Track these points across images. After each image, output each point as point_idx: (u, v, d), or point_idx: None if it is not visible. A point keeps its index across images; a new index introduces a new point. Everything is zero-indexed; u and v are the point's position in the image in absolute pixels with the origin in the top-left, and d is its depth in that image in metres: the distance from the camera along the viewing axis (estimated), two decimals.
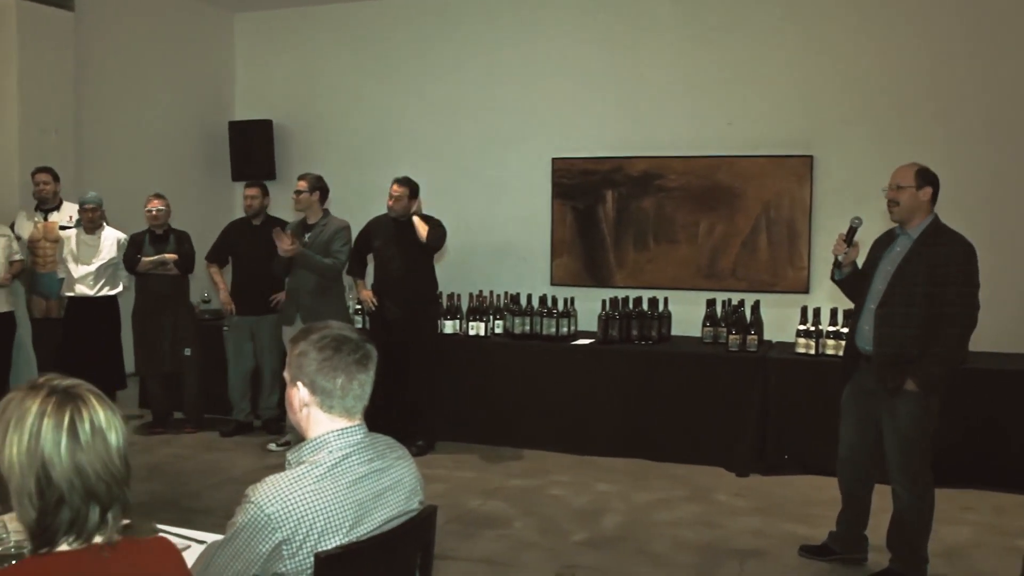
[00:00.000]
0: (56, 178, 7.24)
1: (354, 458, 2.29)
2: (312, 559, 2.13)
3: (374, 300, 6.81)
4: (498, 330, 7.21)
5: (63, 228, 7.21)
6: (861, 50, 7.54)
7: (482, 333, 7.18)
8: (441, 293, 7.13)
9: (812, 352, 6.41)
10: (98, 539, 1.74)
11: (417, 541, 2.41)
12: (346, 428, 2.31)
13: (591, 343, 6.96)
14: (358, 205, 7.89)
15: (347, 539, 2.19)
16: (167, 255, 6.97)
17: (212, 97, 9.65)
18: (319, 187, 6.68)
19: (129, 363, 7.37)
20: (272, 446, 6.80)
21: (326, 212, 6.76)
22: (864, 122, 7.49)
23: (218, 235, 7.37)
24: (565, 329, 7.08)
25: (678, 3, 8.07)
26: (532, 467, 6.54)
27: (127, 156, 8.54)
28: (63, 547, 1.71)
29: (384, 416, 6.98)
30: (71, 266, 7.01)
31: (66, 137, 8.00)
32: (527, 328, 7.08)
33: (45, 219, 7.25)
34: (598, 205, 8.35)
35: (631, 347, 6.88)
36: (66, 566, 1.70)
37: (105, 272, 7.07)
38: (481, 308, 7.26)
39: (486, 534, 5.18)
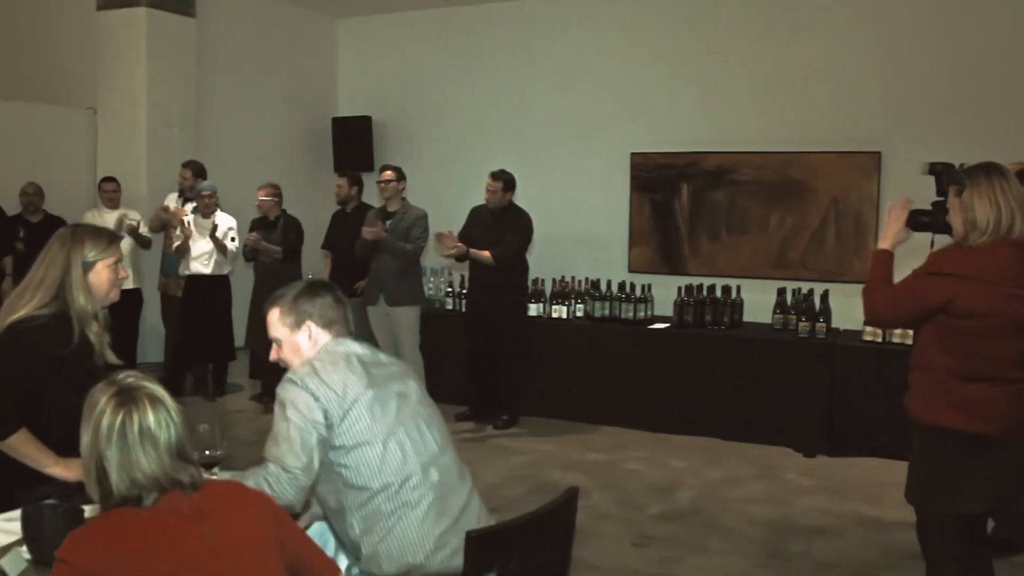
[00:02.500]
0: (196, 173, 7.42)
1: (355, 345, 2.61)
2: (350, 435, 2.42)
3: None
4: (579, 313, 7.19)
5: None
6: (929, 46, 7.30)
7: (564, 316, 7.17)
8: (527, 279, 7.12)
9: (879, 340, 6.26)
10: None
11: (562, 521, 2.41)
12: (344, 338, 2.62)
13: (667, 327, 6.90)
14: (449, 196, 7.93)
15: (367, 395, 2.45)
16: (271, 246, 7.06)
17: (317, 95, 9.77)
18: (404, 177, 6.80)
19: (240, 337, 7.53)
20: None
21: (405, 201, 6.84)
22: (931, 119, 7.25)
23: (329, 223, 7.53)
24: (642, 314, 7.02)
25: (752, 3, 7.91)
26: (609, 443, 6.52)
27: (240, 149, 8.70)
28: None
29: (473, 391, 7.13)
30: (190, 246, 7.18)
31: (187, 132, 8.19)
32: (606, 312, 7.05)
33: (183, 205, 7.43)
34: (674, 197, 8.25)
35: (705, 332, 6.80)
36: (139, 517, 1.81)
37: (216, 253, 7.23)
38: (563, 293, 7.25)
39: None
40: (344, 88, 9.98)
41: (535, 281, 7.26)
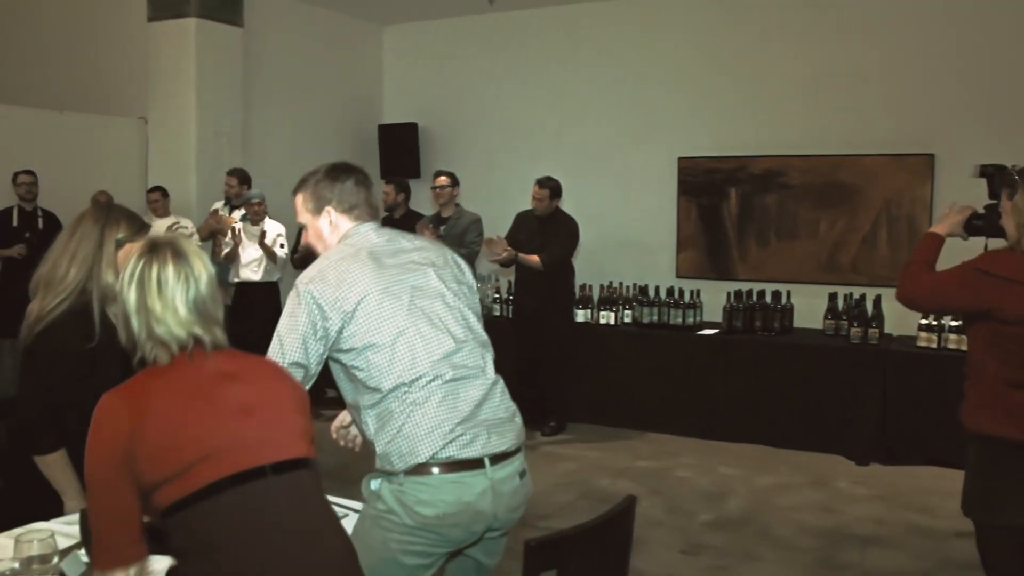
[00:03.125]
0: (241, 181, 7.53)
1: (368, 231, 2.54)
2: (356, 332, 2.38)
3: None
4: (627, 319, 7.16)
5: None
6: (982, 48, 7.16)
7: (612, 322, 7.15)
8: (574, 284, 7.11)
9: (934, 346, 6.16)
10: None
11: (620, 530, 2.38)
12: (364, 225, 2.56)
13: (716, 333, 6.85)
14: (495, 201, 7.93)
15: (373, 295, 2.39)
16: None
17: (363, 102, 9.84)
18: (457, 183, 6.84)
19: None
20: None
21: (459, 206, 6.86)
22: (985, 121, 7.11)
23: None
24: (691, 319, 6.99)
25: (799, 4, 7.82)
26: (658, 449, 6.48)
27: (287, 156, 8.76)
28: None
29: (520, 398, 7.10)
30: (239, 253, 7.27)
31: (235, 139, 8.28)
32: (655, 318, 7.02)
33: (231, 213, 7.54)
34: (722, 202, 8.18)
35: (755, 337, 6.74)
36: (170, 372, 1.93)
37: (265, 260, 7.32)
38: (611, 298, 7.23)
39: None
40: (390, 95, 10.04)
41: (582, 287, 7.25)
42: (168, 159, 8.06)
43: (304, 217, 2.59)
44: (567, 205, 6.96)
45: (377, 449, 2.40)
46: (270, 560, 1.85)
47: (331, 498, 2.80)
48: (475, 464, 2.36)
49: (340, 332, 2.38)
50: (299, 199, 2.60)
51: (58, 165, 7.60)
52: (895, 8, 7.45)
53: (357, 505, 2.70)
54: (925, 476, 5.80)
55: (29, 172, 7.22)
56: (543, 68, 9.00)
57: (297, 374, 2.36)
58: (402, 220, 7.26)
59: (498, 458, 2.41)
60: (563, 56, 8.90)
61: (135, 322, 1.93)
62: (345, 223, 2.55)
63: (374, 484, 2.43)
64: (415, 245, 2.58)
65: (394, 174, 8.68)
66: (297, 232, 7.20)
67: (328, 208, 2.55)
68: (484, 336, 2.60)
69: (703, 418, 6.72)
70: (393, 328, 2.38)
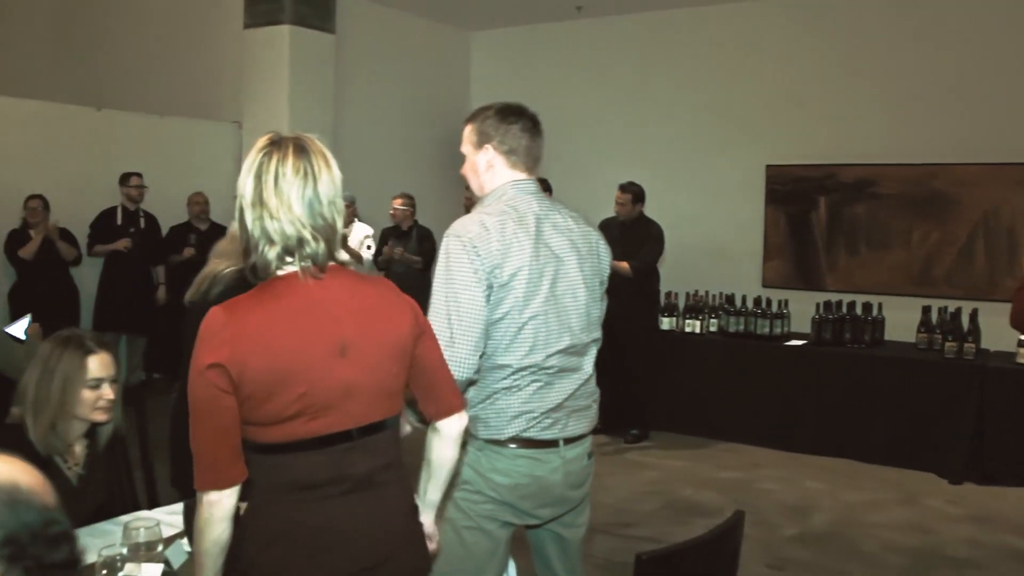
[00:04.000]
0: None
1: (529, 199, 2.50)
2: (507, 295, 2.37)
3: None
4: (712, 328, 7.09)
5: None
6: None
7: (697, 330, 7.09)
8: (659, 291, 7.08)
9: None
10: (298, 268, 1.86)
11: (729, 546, 2.35)
12: (519, 179, 2.53)
13: (804, 344, 6.74)
14: (582, 209, 7.84)
15: (525, 271, 2.37)
16: (412, 257, 7.25)
17: (450, 107, 9.93)
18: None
19: None
20: None
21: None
22: None
23: None
24: (778, 329, 6.88)
25: (891, 11, 7.64)
26: (742, 461, 6.40)
27: (376, 159, 8.91)
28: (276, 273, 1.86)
29: (602, 405, 7.08)
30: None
31: (325, 143, 8.41)
32: (741, 327, 6.93)
33: None
34: (810, 211, 8.04)
35: (844, 349, 6.60)
36: (280, 287, 1.85)
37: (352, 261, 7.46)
38: (696, 307, 7.17)
39: (699, 522, 5.11)
40: (477, 100, 10.09)
41: (668, 295, 7.20)
42: None
43: (466, 148, 2.56)
44: (652, 212, 6.92)
45: (469, 411, 2.46)
46: (335, 509, 1.86)
47: None
48: (550, 444, 2.48)
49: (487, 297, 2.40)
50: (467, 129, 2.57)
51: (158, 167, 7.86)
52: (993, 14, 7.23)
53: None
54: (1022, 498, 5.62)
55: (138, 175, 7.50)
56: (629, 74, 8.98)
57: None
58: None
59: (571, 440, 2.53)
60: (649, 62, 8.86)
61: (249, 217, 1.83)
62: (501, 165, 2.53)
63: None
64: (567, 225, 2.56)
65: None
66: (381, 234, 7.35)
67: (488, 145, 2.52)
68: (598, 333, 2.64)
69: (789, 430, 6.61)
70: (528, 312, 2.41)
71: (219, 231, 7.58)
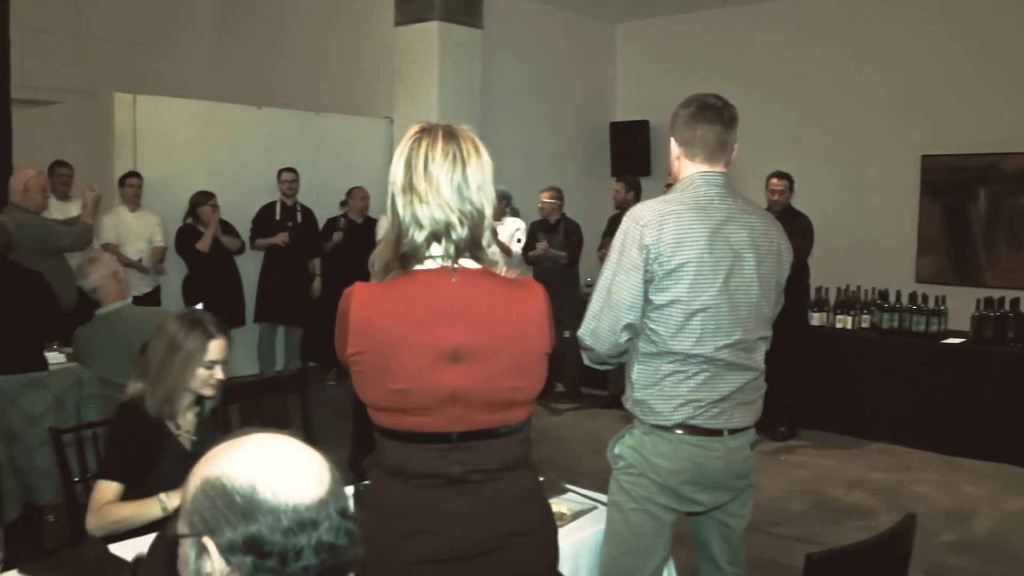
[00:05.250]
0: None
1: (713, 193, 2.51)
2: (666, 274, 2.42)
3: None
4: (864, 324, 6.89)
5: None
6: None
7: (848, 326, 6.90)
8: (809, 285, 6.93)
9: None
10: (447, 263, 1.87)
11: (900, 549, 2.32)
12: (707, 171, 2.54)
13: (962, 342, 6.48)
14: None
15: (697, 262, 2.42)
16: (557, 252, 7.33)
17: (595, 100, 9.95)
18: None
19: None
20: None
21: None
22: None
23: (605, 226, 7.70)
24: (935, 327, 6.62)
25: None
26: (895, 462, 6.21)
27: (523, 153, 9.01)
28: (416, 267, 1.88)
29: None
30: None
31: (475, 133, 8.60)
32: (895, 324, 6.70)
33: None
34: (969, 202, 7.71)
35: (1007, 349, 6.29)
36: (416, 280, 1.87)
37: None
38: (848, 302, 6.98)
39: (851, 524, 5.01)
40: (622, 93, 10.09)
41: (818, 289, 7.04)
42: None
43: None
44: (800, 204, 6.77)
45: (635, 394, 2.55)
46: (429, 498, 1.89)
47: (577, 489, 2.95)
48: (715, 433, 2.52)
49: (650, 284, 2.46)
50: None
51: (313, 163, 8.19)
52: None
53: (602, 497, 2.81)
54: None
55: (291, 170, 7.80)
56: (777, 62, 8.78)
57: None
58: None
59: (736, 430, 2.57)
60: (798, 50, 8.65)
61: (400, 202, 1.86)
62: (684, 157, 2.58)
63: (617, 448, 2.63)
64: (750, 222, 2.56)
65: (625, 172, 8.74)
66: (529, 227, 7.44)
67: (673, 137, 2.60)
68: (768, 331, 2.65)
69: (945, 432, 6.36)
70: (699, 302, 2.45)
71: (373, 224, 7.85)
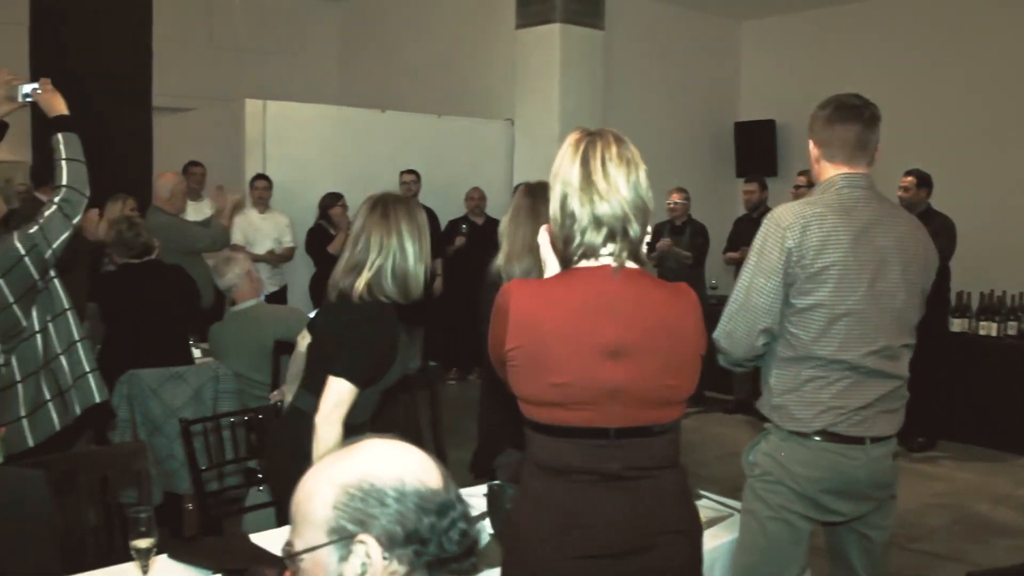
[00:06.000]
0: None
1: (858, 195, 2.45)
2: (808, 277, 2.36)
3: None
4: (1011, 331, 6.52)
5: None
6: None
7: (993, 333, 6.54)
8: (949, 289, 6.60)
9: None
10: (609, 261, 1.90)
11: None
12: (849, 173, 2.48)
13: None
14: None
15: (840, 264, 2.36)
16: (681, 252, 7.20)
17: (719, 99, 9.75)
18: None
19: None
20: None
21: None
22: None
23: (731, 228, 7.53)
24: None
25: None
26: None
27: (646, 154, 8.75)
28: (580, 264, 1.92)
29: None
30: None
31: None
32: None
33: None
34: None
35: None
36: (576, 277, 1.91)
37: None
38: (992, 307, 6.61)
39: (999, 543, 4.72)
40: (747, 92, 9.86)
41: (959, 294, 6.70)
42: (532, 158, 8.47)
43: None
44: (940, 205, 6.44)
45: (773, 399, 2.49)
46: (583, 495, 1.90)
47: (713, 496, 2.85)
48: (857, 440, 2.43)
49: (792, 286, 2.41)
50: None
51: (436, 165, 8.25)
52: None
53: (736, 504, 2.76)
54: None
55: (412, 171, 7.89)
56: (910, 59, 8.43)
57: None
58: (759, 221, 7.11)
59: (878, 439, 2.47)
60: (932, 45, 8.29)
61: (576, 201, 1.88)
62: (822, 159, 2.54)
63: (752, 456, 2.56)
64: (897, 226, 2.48)
65: (750, 172, 8.53)
66: (655, 228, 7.32)
67: (812, 139, 2.57)
68: (912, 339, 2.55)
69: None
70: (844, 306, 2.39)
71: (493, 224, 7.83)
